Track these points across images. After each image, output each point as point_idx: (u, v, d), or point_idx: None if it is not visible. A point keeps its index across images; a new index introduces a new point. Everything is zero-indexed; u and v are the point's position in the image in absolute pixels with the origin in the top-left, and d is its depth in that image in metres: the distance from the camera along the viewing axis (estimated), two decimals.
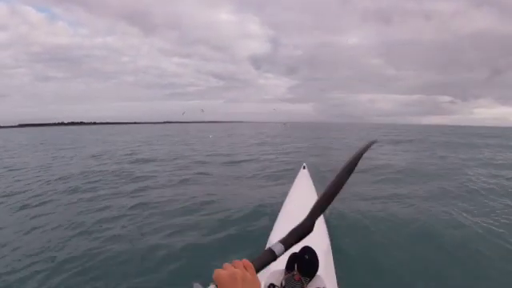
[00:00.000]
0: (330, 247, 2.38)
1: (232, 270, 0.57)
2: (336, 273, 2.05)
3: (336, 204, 4.75)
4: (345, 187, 0.82)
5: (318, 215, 0.79)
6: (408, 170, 8.23)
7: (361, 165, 0.88)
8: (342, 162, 0.86)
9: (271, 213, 4.07)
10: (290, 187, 3.82)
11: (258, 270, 0.61)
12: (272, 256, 0.66)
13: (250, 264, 0.60)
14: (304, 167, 4.41)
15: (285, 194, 3.62)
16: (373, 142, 0.99)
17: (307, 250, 1.39)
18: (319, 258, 1.44)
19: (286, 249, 0.70)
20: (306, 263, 1.38)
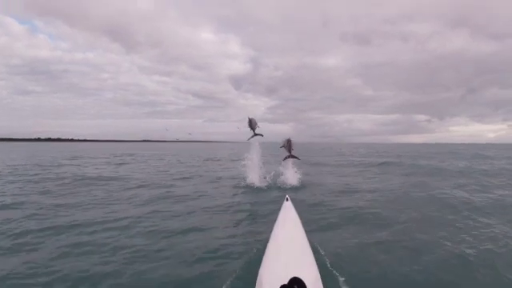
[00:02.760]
0: (319, 276, 2.44)
1: None
2: None
3: (324, 232, 4.81)
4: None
5: None
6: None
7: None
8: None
9: (257, 247, 4.05)
10: (274, 221, 3.83)
11: None
12: None
13: None
14: (287, 199, 4.38)
15: (270, 228, 3.64)
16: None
17: (295, 281, 1.48)
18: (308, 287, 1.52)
19: None
20: None
